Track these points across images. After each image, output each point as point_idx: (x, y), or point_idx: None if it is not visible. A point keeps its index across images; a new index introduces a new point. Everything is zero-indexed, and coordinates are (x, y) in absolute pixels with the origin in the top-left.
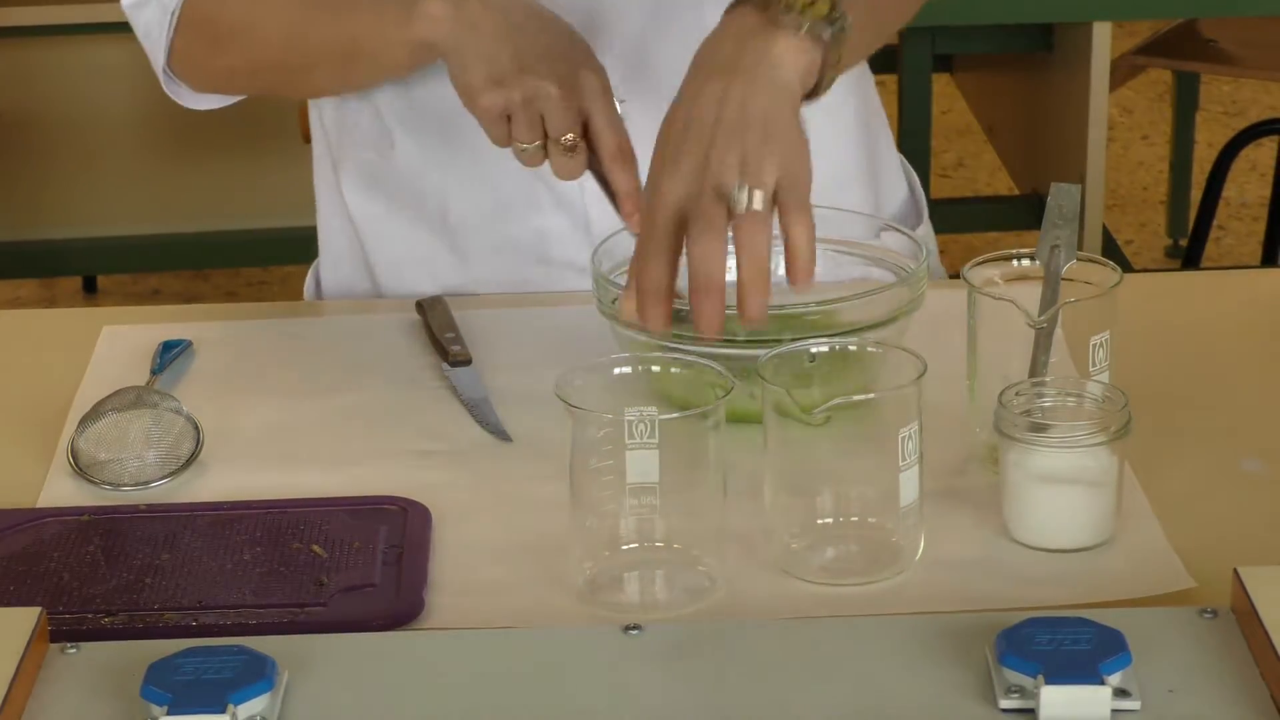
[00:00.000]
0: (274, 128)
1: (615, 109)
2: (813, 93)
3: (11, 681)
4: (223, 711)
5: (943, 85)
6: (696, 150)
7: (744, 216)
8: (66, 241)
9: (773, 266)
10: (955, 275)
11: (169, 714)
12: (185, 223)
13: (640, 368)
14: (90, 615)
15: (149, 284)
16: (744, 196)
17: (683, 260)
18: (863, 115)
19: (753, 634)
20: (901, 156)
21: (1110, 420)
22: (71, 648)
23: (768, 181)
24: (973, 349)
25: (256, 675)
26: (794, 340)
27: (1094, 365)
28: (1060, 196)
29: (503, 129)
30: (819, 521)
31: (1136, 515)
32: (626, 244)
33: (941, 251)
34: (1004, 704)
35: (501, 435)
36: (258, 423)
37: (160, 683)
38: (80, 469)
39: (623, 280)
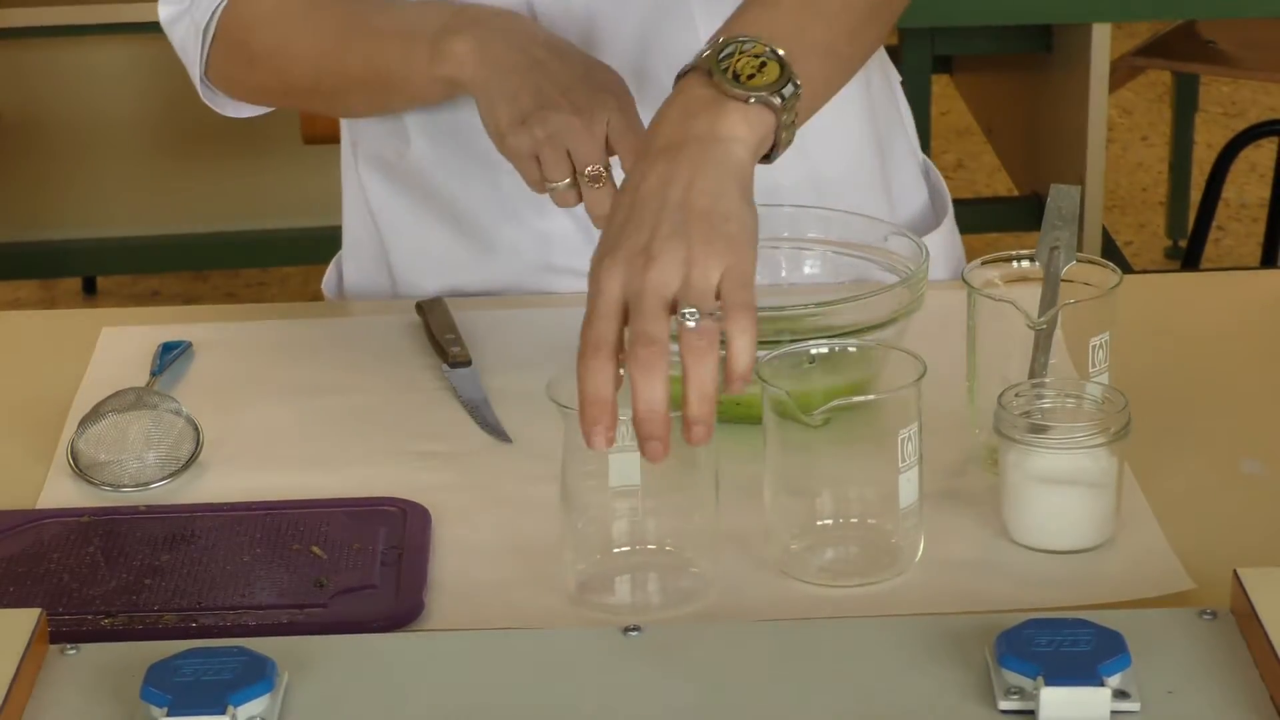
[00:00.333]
0: (274, 129)
1: (635, 116)
2: (769, 154)
3: (11, 683)
4: (222, 713)
5: (942, 86)
6: (638, 237)
7: (690, 332)
8: (66, 242)
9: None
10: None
11: (169, 715)
12: (184, 224)
13: None
14: (90, 616)
15: (148, 285)
16: (690, 318)
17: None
18: (871, 118)
19: (752, 635)
20: (929, 161)
21: (1110, 421)
22: (71, 649)
23: (713, 282)
24: (972, 350)
25: (256, 676)
26: (794, 341)
27: (1093, 366)
28: (1060, 198)
29: (534, 169)
30: (818, 523)
31: (1136, 516)
32: None
33: None
34: (1003, 705)
35: (501, 436)
36: (257, 424)
37: (160, 684)
38: (80, 470)
39: None
